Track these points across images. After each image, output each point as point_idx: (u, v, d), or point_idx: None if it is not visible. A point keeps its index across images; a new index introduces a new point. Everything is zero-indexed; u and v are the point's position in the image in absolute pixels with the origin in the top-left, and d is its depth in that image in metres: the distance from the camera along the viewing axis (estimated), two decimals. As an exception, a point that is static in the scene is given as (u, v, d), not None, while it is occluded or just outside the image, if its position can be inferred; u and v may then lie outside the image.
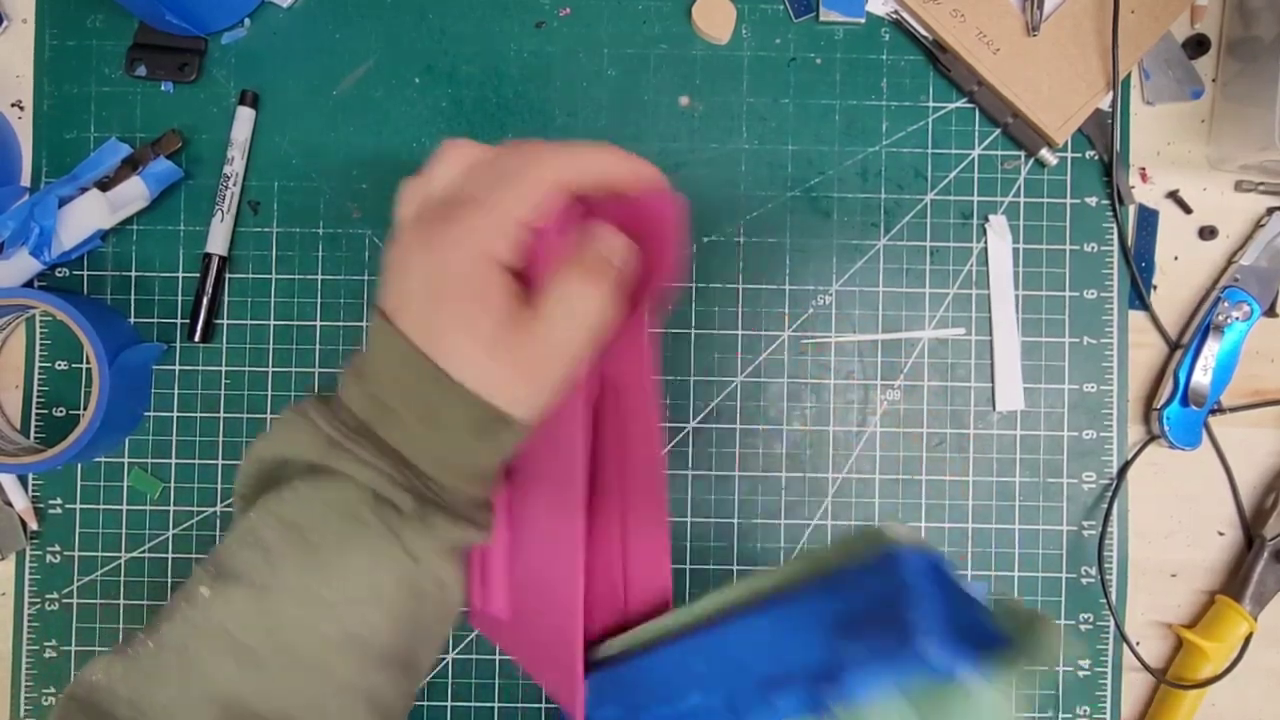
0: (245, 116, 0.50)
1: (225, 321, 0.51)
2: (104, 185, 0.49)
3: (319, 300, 0.51)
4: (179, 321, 0.51)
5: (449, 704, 0.50)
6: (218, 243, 0.50)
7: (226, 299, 0.51)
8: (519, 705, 0.50)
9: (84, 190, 0.48)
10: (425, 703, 0.50)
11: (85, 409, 0.47)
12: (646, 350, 0.41)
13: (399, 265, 0.35)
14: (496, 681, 0.50)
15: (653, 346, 0.41)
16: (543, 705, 0.50)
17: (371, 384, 0.36)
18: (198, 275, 0.50)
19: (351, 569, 0.35)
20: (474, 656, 0.50)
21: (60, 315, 0.46)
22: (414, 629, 0.37)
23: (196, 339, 0.50)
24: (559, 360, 0.35)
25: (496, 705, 0.50)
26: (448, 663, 0.49)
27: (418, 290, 0.34)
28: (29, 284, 0.49)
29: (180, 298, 0.51)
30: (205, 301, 0.50)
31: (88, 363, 0.50)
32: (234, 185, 0.50)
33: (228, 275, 0.51)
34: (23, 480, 0.50)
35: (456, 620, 0.39)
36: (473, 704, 0.50)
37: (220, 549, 0.35)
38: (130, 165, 0.49)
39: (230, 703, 0.33)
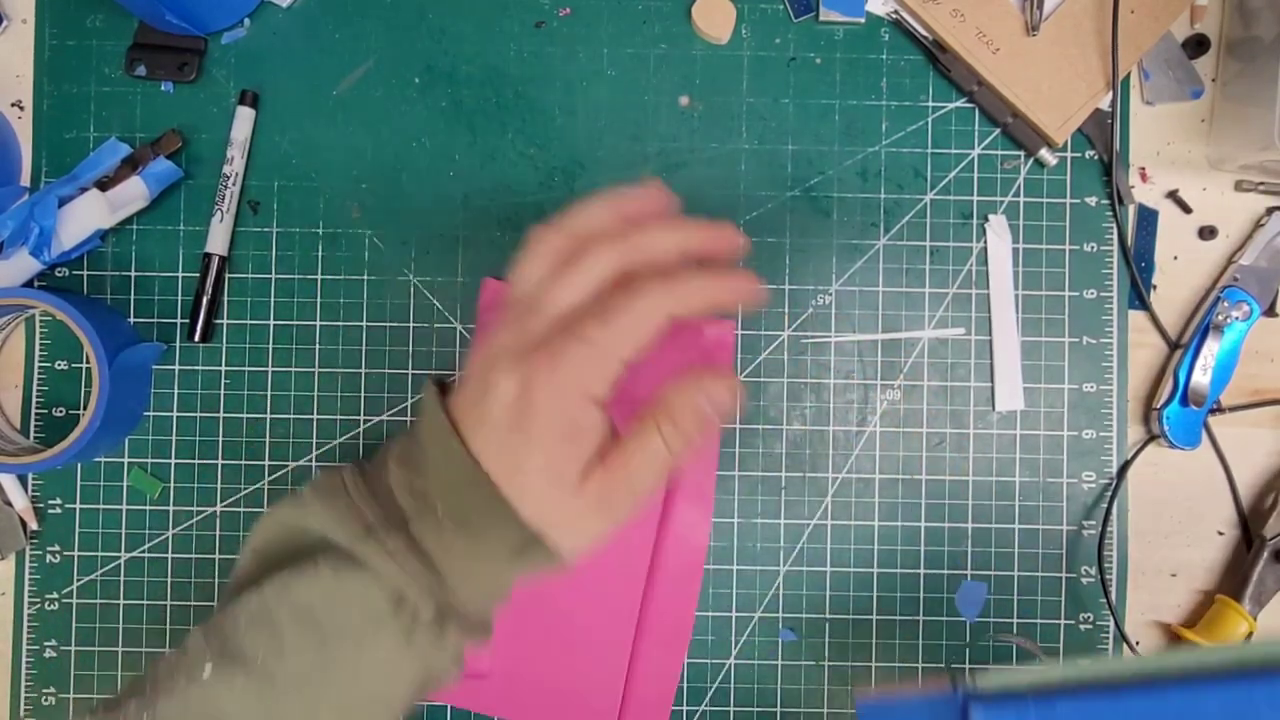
0: (245, 116, 0.50)
1: (225, 321, 0.51)
2: (104, 185, 0.49)
3: (318, 300, 0.51)
4: (179, 321, 0.51)
5: None
6: (217, 243, 0.50)
7: (226, 299, 0.51)
8: None
9: (84, 190, 0.48)
10: None
11: (85, 409, 0.47)
12: (712, 456, 0.47)
13: (484, 381, 0.34)
14: None
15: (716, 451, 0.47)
16: None
17: (420, 480, 0.35)
18: (198, 275, 0.50)
19: (363, 669, 0.34)
20: (424, 702, 0.50)
21: (60, 315, 0.46)
22: (408, 713, 0.37)
23: (196, 339, 0.50)
24: (626, 505, 0.35)
25: None
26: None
27: (501, 417, 0.33)
28: (29, 284, 0.49)
29: (180, 298, 0.51)
30: (205, 301, 0.50)
31: (88, 363, 0.50)
32: (234, 185, 0.50)
33: (227, 275, 0.51)
34: (23, 480, 0.50)
35: None
36: None
37: (227, 620, 0.35)
38: (130, 165, 0.49)
39: None
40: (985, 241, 0.51)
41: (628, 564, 0.48)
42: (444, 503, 0.35)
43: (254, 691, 0.34)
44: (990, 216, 0.50)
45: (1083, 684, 0.33)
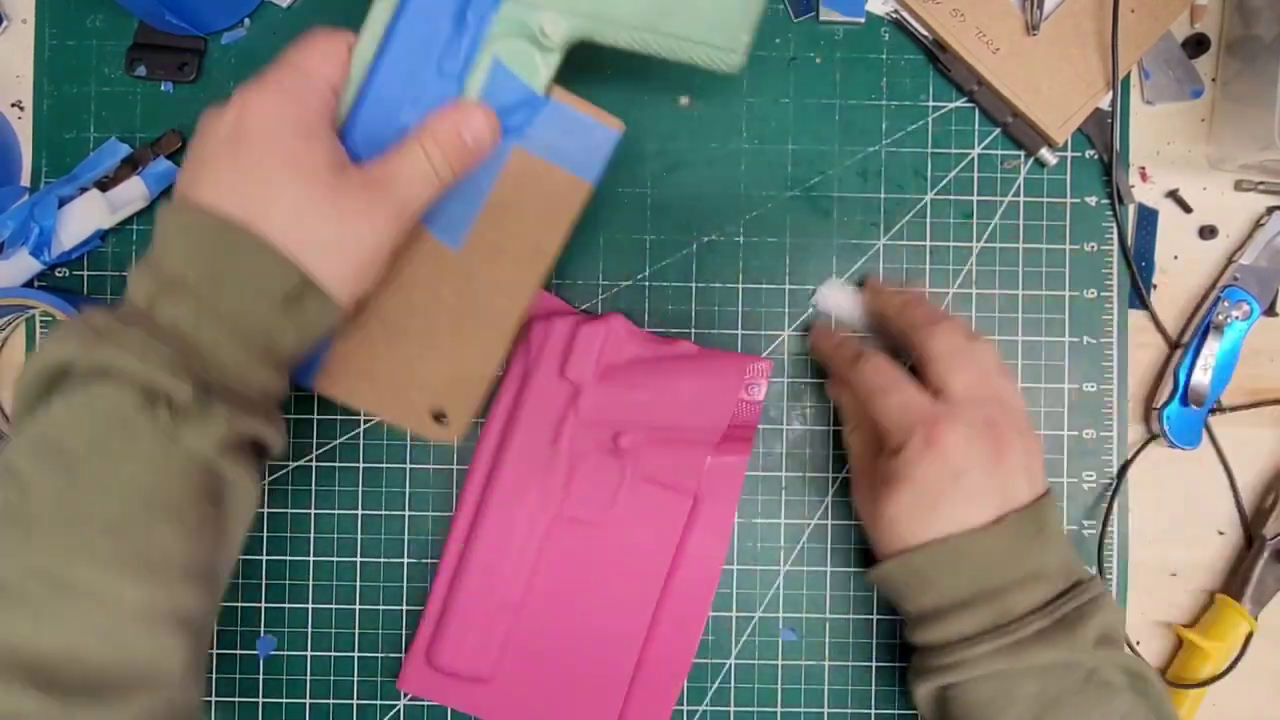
0: None
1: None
2: (104, 185, 0.49)
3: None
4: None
5: None
6: None
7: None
8: None
9: (84, 190, 0.48)
10: None
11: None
12: (734, 489, 0.48)
13: (198, 139, 0.34)
14: None
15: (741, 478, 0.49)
16: None
17: (159, 268, 0.33)
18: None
19: (126, 483, 0.31)
20: (424, 703, 0.50)
21: (60, 315, 0.46)
22: (212, 537, 0.33)
23: None
24: (390, 215, 0.34)
25: None
26: (399, 710, 0.49)
27: (225, 150, 0.33)
28: (29, 284, 0.49)
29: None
30: None
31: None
32: None
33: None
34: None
35: (253, 523, 0.36)
36: None
37: None
38: (130, 165, 0.49)
39: (3, 653, 0.29)
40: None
41: (640, 585, 0.48)
42: (192, 269, 0.32)
43: (7, 530, 0.30)
44: (819, 287, 0.50)
45: None
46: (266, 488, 0.50)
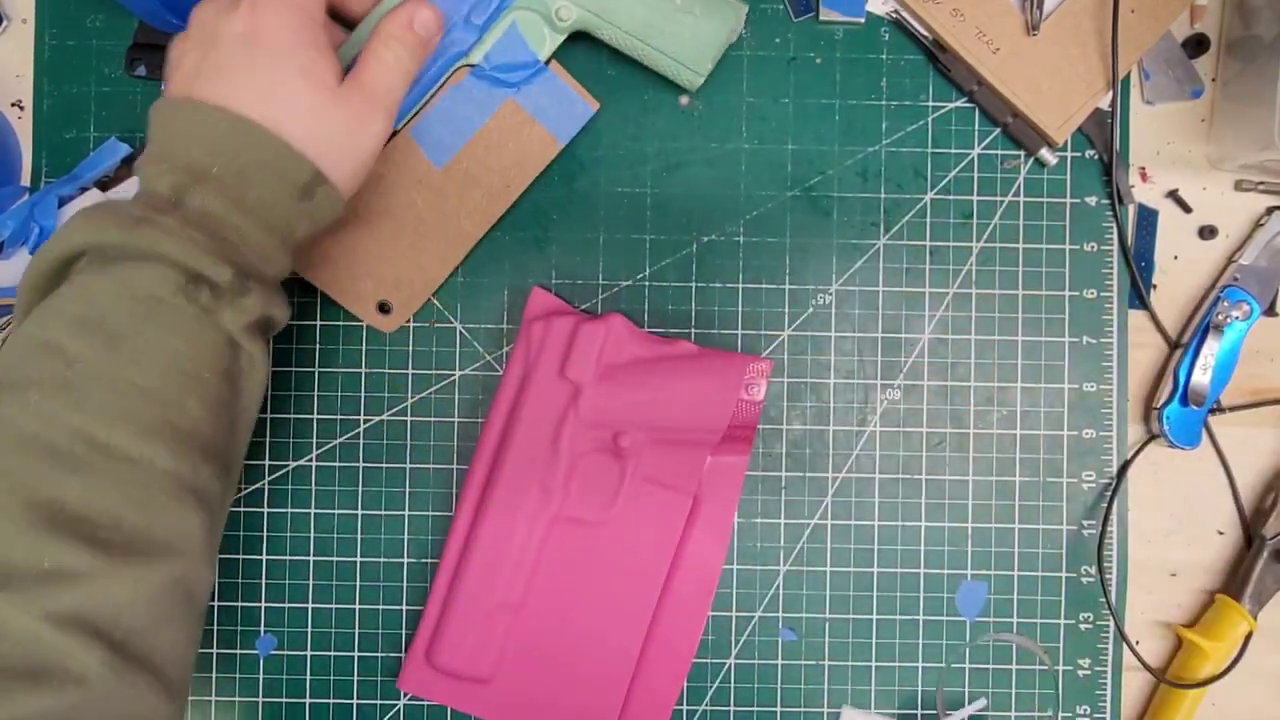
0: None
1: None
2: (104, 185, 0.49)
3: (318, 300, 0.51)
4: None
5: None
6: None
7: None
8: None
9: (84, 190, 0.48)
10: None
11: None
12: (734, 491, 0.49)
13: (206, 38, 0.35)
14: None
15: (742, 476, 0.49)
16: None
17: (181, 159, 0.35)
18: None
19: (166, 357, 0.33)
20: (424, 703, 0.50)
21: None
22: (230, 417, 0.36)
23: None
24: (383, 114, 0.38)
25: None
26: (399, 710, 0.49)
27: (238, 55, 0.35)
28: (29, 284, 0.49)
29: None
30: None
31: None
32: None
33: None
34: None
35: (261, 404, 0.38)
36: None
37: None
38: (130, 165, 0.49)
39: (53, 510, 0.31)
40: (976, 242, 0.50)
41: (640, 586, 0.48)
42: (218, 163, 0.35)
43: (54, 402, 0.32)
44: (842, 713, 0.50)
45: None
46: (267, 486, 0.50)
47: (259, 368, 0.37)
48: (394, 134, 0.49)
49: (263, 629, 0.50)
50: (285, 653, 0.50)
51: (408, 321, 0.51)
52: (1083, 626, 0.51)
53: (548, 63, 0.48)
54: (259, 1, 0.35)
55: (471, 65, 0.48)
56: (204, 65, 0.35)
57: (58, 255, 0.34)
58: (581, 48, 0.51)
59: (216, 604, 0.50)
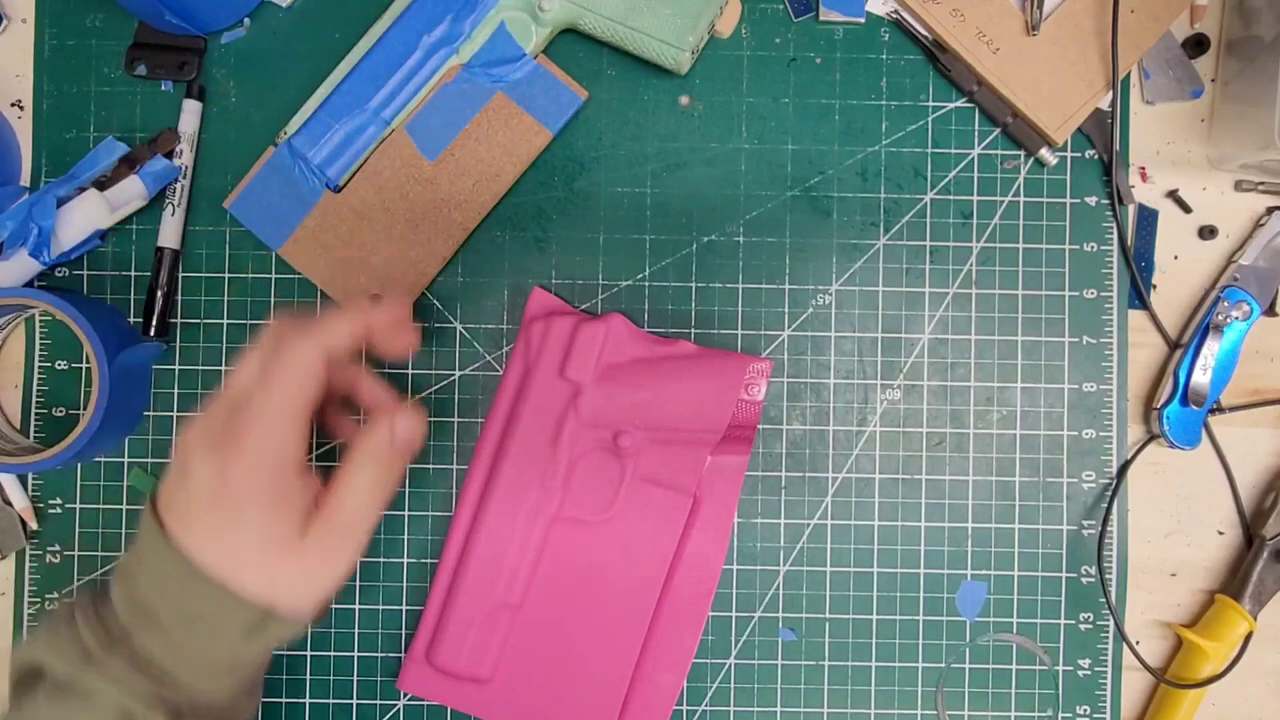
0: (192, 109, 0.50)
1: (225, 320, 0.51)
2: (101, 184, 0.49)
3: (318, 300, 0.51)
4: (179, 321, 0.51)
5: None
6: (169, 236, 0.50)
7: (226, 297, 0.51)
8: None
9: (82, 190, 0.48)
10: None
11: (85, 409, 0.47)
12: (734, 492, 0.49)
13: (183, 471, 0.35)
14: None
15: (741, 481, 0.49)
16: None
17: (138, 590, 0.36)
18: (197, 274, 0.50)
19: None
20: (424, 703, 0.50)
21: (60, 315, 0.46)
22: None
23: (152, 334, 0.49)
24: (351, 549, 0.37)
25: None
26: (399, 710, 0.49)
27: (204, 501, 0.35)
28: (29, 284, 0.49)
29: (180, 297, 0.51)
30: (160, 296, 0.50)
31: (87, 362, 0.50)
32: (184, 179, 0.50)
33: (226, 274, 0.51)
34: (22, 480, 0.50)
35: None
36: None
37: None
38: (128, 164, 0.49)
39: None
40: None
41: (640, 587, 0.48)
42: (165, 607, 0.35)
43: None
44: None
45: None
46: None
47: None
48: (390, 133, 0.49)
49: None
50: (285, 653, 0.50)
51: (407, 321, 0.50)
52: (1083, 626, 0.51)
53: (535, 57, 0.49)
54: (231, 450, 0.35)
55: (461, 64, 0.48)
56: (178, 497, 0.36)
57: (25, 664, 0.37)
58: (581, 47, 0.51)
59: None
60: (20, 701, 0.36)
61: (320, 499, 0.37)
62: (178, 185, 0.50)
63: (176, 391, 0.51)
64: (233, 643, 0.36)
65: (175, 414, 0.50)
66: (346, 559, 0.37)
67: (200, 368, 0.50)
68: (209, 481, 0.35)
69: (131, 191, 0.49)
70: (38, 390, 0.51)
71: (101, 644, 0.35)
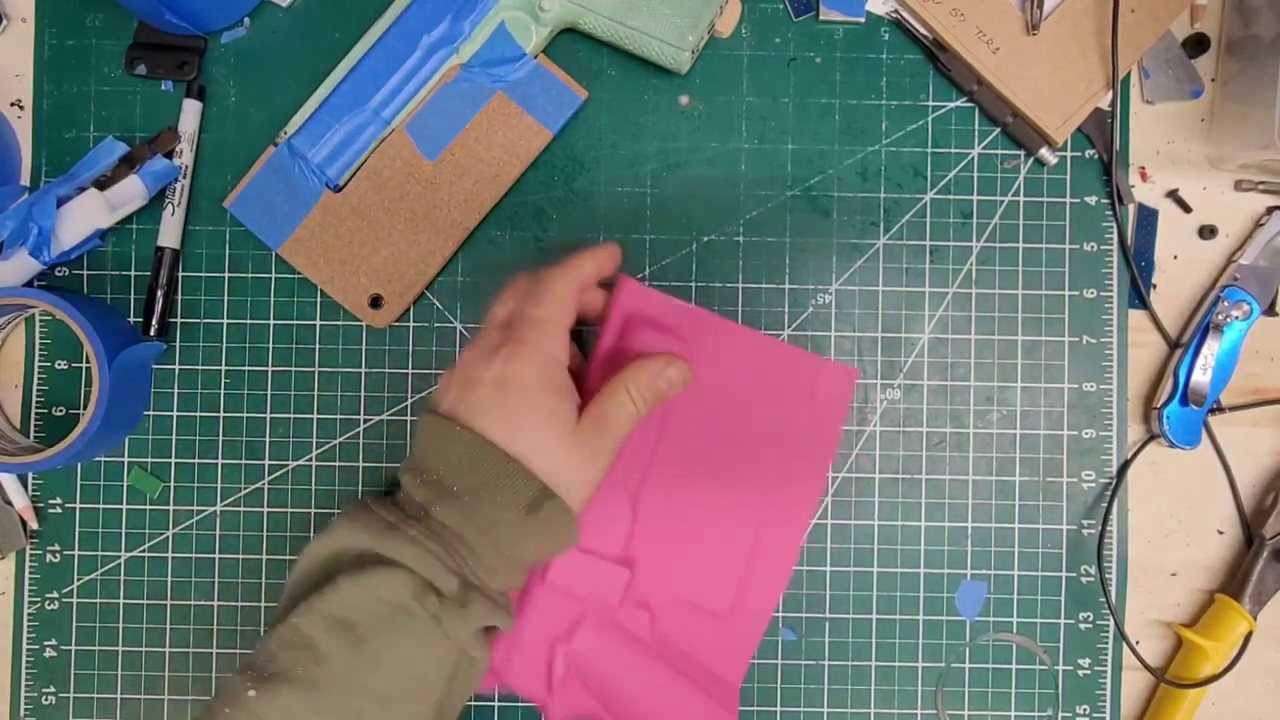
0: (192, 109, 0.50)
1: (225, 320, 0.51)
2: (101, 184, 0.49)
3: (319, 299, 0.51)
4: (179, 321, 0.51)
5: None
6: (169, 236, 0.50)
7: (226, 297, 0.51)
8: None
9: (82, 190, 0.48)
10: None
11: (85, 409, 0.47)
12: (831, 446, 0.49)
13: (470, 377, 0.40)
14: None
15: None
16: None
17: (431, 473, 0.40)
18: (197, 274, 0.50)
19: (400, 660, 0.38)
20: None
21: (60, 315, 0.46)
22: (448, 709, 0.40)
23: (152, 334, 0.49)
24: (610, 451, 0.42)
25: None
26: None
27: (494, 396, 0.40)
28: (29, 284, 0.49)
29: (181, 297, 0.51)
30: (161, 296, 0.50)
31: (87, 362, 0.50)
32: (184, 178, 0.50)
33: (227, 274, 0.51)
34: (22, 480, 0.50)
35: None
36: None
37: (258, 653, 0.38)
38: (128, 164, 0.49)
39: None
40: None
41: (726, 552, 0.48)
42: (459, 481, 0.39)
43: (301, 699, 0.37)
44: None
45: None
46: (267, 485, 0.50)
47: (478, 669, 0.41)
48: (390, 132, 0.49)
49: (263, 629, 0.50)
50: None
51: (407, 321, 0.51)
52: (1083, 626, 0.51)
53: (535, 57, 0.49)
54: (512, 352, 0.40)
55: (461, 63, 0.49)
56: (464, 398, 0.40)
57: (325, 554, 0.40)
58: (581, 47, 0.51)
59: (216, 604, 0.50)
60: (320, 589, 0.38)
61: (585, 405, 0.42)
62: (178, 185, 0.50)
63: (176, 391, 0.51)
64: (515, 516, 0.39)
65: (175, 414, 0.50)
66: (606, 459, 0.41)
67: (200, 368, 0.50)
68: (495, 381, 0.40)
69: (131, 191, 0.49)
70: (38, 390, 0.51)
71: (400, 518, 0.39)
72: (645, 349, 0.45)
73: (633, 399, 0.42)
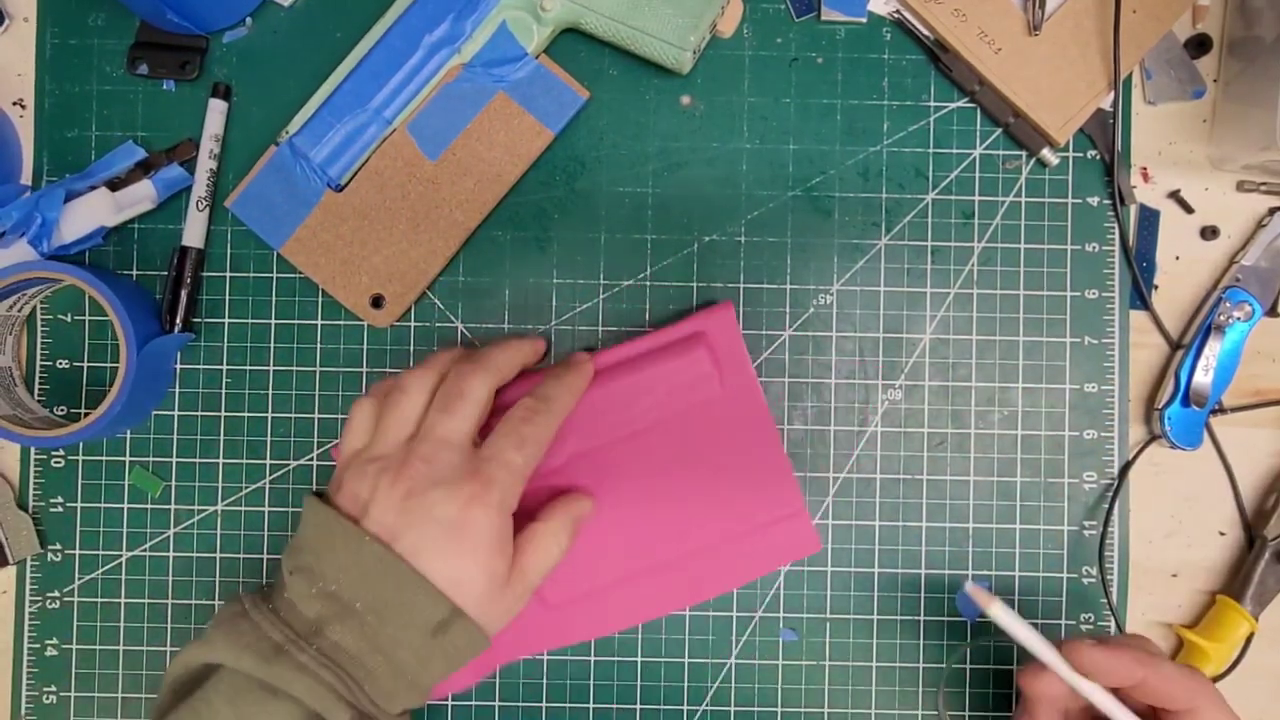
0: (218, 109, 0.50)
1: (226, 320, 0.51)
2: (114, 185, 0.49)
3: (320, 299, 0.51)
4: (180, 321, 0.51)
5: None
6: (195, 234, 0.50)
7: (228, 297, 0.51)
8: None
9: (93, 189, 0.49)
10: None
11: (89, 405, 0.47)
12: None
13: (417, 504, 0.38)
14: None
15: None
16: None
17: (329, 583, 0.38)
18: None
19: None
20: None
21: (91, 291, 0.46)
22: None
23: (175, 329, 0.49)
24: (527, 590, 0.42)
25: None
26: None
27: (437, 538, 0.38)
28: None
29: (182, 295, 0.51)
30: (185, 293, 0.50)
31: (89, 360, 0.50)
32: (210, 178, 0.50)
33: (228, 273, 0.51)
34: (25, 478, 0.50)
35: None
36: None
37: None
38: (143, 168, 0.49)
39: None
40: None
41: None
42: (361, 597, 0.38)
43: None
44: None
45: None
46: (268, 485, 0.50)
47: None
48: (392, 132, 0.49)
49: None
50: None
51: (409, 321, 0.51)
52: (1084, 627, 0.50)
53: (536, 57, 0.49)
54: (477, 498, 0.39)
55: (463, 63, 0.49)
56: (407, 529, 0.38)
57: (201, 661, 0.38)
58: (582, 47, 0.51)
59: (217, 603, 0.50)
60: (186, 704, 0.37)
61: (516, 548, 0.41)
62: (205, 184, 0.50)
63: (178, 390, 0.51)
64: (421, 638, 0.38)
65: (176, 413, 0.50)
66: (525, 595, 0.42)
67: (201, 367, 0.50)
68: (453, 524, 0.38)
69: (141, 194, 0.49)
70: (39, 390, 0.51)
71: (290, 638, 0.37)
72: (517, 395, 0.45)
73: (559, 542, 0.43)
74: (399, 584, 0.37)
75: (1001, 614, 0.41)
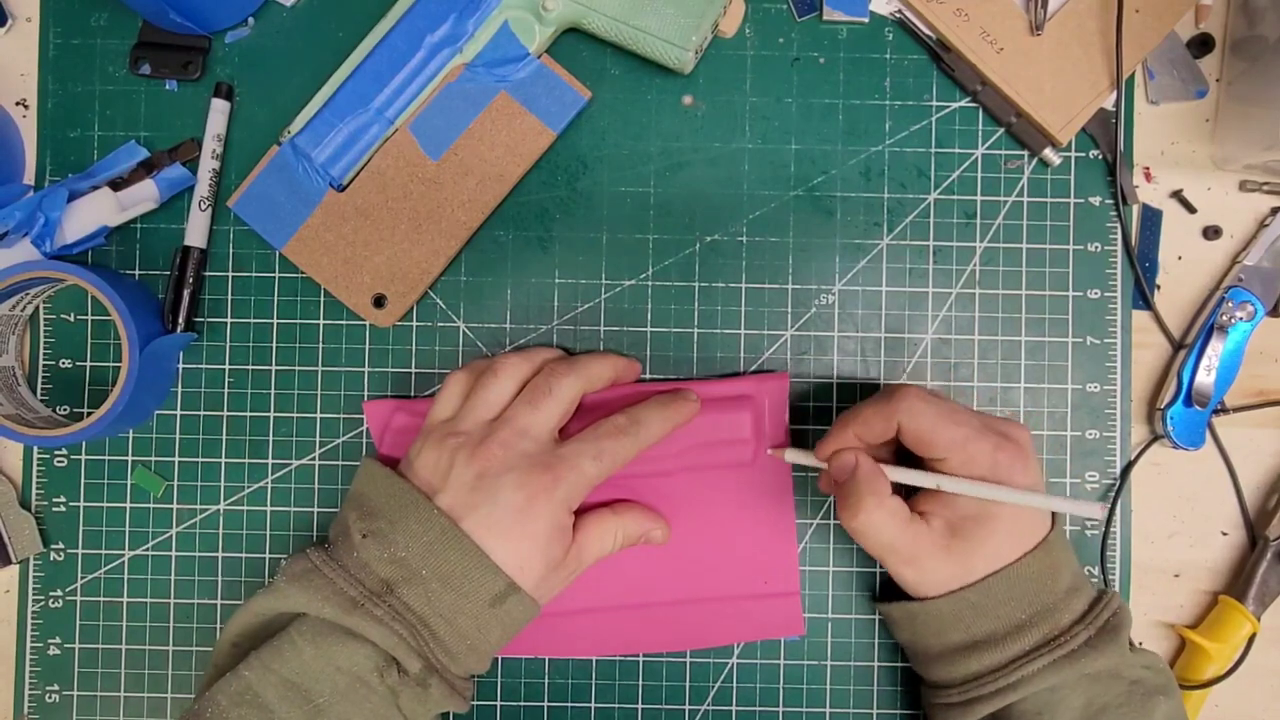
0: (220, 109, 0.50)
1: (229, 320, 0.51)
2: (116, 185, 0.49)
3: (321, 298, 0.51)
4: (182, 320, 0.51)
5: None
6: (197, 234, 0.50)
7: (230, 296, 0.51)
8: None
9: (95, 188, 0.49)
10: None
11: (93, 404, 0.47)
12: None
13: (487, 485, 0.41)
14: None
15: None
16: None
17: (402, 551, 0.40)
18: (200, 273, 0.50)
19: None
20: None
21: (94, 290, 0.46)
22: None
23: (178, 329, 0.49)
24: (580, 568, 0.44)
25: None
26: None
27: (503, 520, 0.40)
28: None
29: (184, 295, 0.51)
30: (188, 293, 0.50)
31: (92, 360, 0.50)
32: (213, 179, 0.50)
33: (230, 273, 0.51)
34: (28, 478, 0.50)
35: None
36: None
37: (208, 706, 0.38)
38: (145, 168, 0.49)
39: None
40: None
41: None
42: (428, 566, 0.40)
43: None
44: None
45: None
46: (270, 484, 0.51)
47: None
48: (394, 132, 0.49)
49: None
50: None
51: (411, 320, 0.51)
52: (1085, 627, 0.50)
53: (538, 56, 0.49)
54: (545, 489, 0.41)
55: (465, 63, 0.49)
56: (475, 508, 0.41)
57: (276, 610, 0.40)
58: (584, 47, 0.51)
59: (219, 603, 0.50)
60: (278, 646, 0.39)
61: (578, 528, 0.44)
62: (209, 184, 0.50)
63: (180, 390, 0.51)
64: (479, 607, 0.40)
65: (179, 413, 0.51)
66: (573, 577, 0.44)
67: (203, 366, 0.51)
68: (519, 509, 0.40)
69: (144, 194, 0.49)
70: (42, 389, 0.51)
71: (364, 595, 0.39)
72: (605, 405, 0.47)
73: (621, 540, 0.45)
74: (463, 557, 0.40)
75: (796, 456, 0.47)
